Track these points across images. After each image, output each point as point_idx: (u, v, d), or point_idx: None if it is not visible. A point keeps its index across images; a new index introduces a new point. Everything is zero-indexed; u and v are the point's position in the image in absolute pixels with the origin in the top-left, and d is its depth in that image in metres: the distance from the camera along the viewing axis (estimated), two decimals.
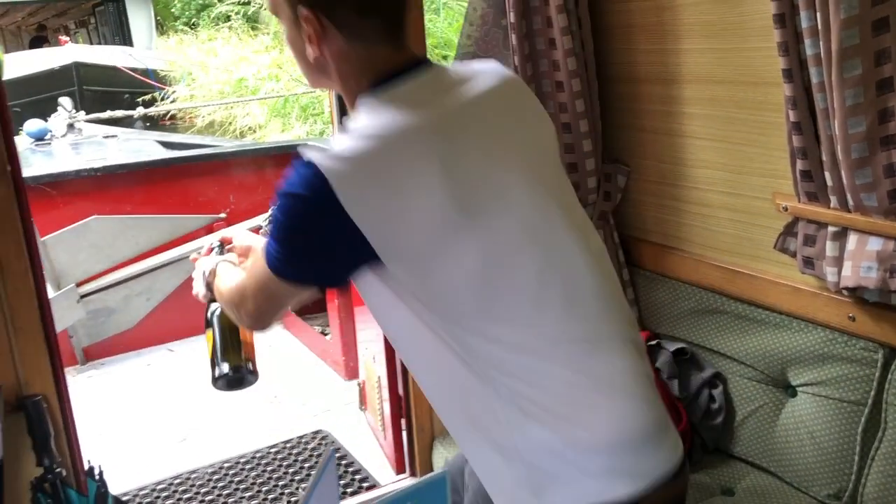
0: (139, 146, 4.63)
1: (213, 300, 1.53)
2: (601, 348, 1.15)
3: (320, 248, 1.08)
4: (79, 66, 11.90)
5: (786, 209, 1.69)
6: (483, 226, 1.10)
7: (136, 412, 3.12)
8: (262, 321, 1.31)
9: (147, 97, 11.43)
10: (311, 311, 3.68)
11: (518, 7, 1.96)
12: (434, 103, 1.14)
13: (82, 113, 5.17)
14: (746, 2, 1.68)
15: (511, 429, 1.14)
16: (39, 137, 4.69)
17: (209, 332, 1.57)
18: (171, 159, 3.96)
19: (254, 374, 1.54)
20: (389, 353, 2.33)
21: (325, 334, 3.51)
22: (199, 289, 1.55)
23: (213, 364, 1.53)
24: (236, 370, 1.51)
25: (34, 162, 4.27)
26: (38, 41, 17.18)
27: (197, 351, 3.52)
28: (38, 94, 9.90)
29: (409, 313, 1.15)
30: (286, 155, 3.82)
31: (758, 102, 1.74)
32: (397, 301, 1.15)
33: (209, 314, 1.58)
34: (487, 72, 1.23)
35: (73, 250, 3.24)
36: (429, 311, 1.12)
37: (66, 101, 5.03)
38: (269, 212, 1.17)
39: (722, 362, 1.93)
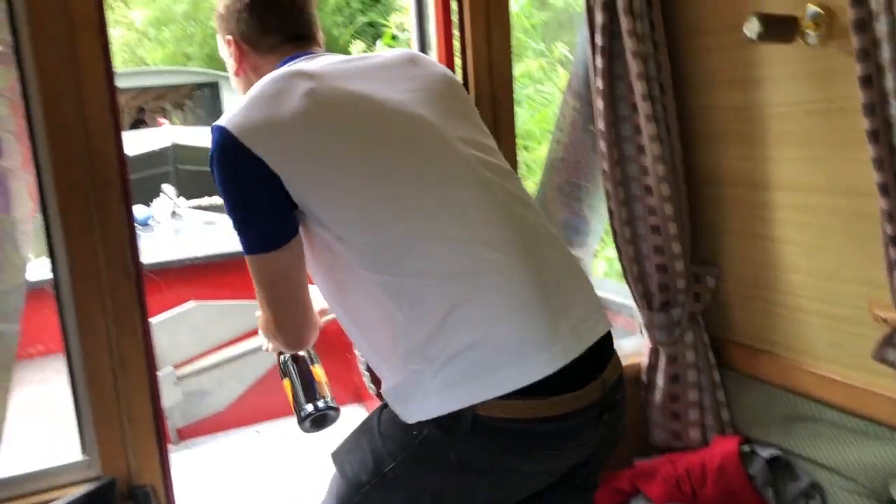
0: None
1: (281, 352, 1.63)
2: (473, 251, 1.25)
3: (253, 194, 1.28)
4: (176, 148, 12.55)
5: (885, 321, 1.67)
6: (350, 127, 1.29)
7: (225, 493, 3.19)
8: (285, 324, 1.42)
9: None
10: None
11: (608, 116, 2.03)
12: (317, 62, 1.40)
13: (183, 199, 5.47)
14: (838, 115, 1.71)
15: (393, 346, 1.27)
16: (144, 223, 4.97)
17: (285, 382, 1.66)
18: None
19: (335, 409, 1.61)
20: None
21: None
22: (263, 342, 1.66)
23: (296, 409, 1.61)
24: (317, 409, 1.58)
25: (140, 248, 4.52)
26: (137, 123, 18.23)
27: (284, 432, 3.60)
28: (138, 173, 10.45)
29: (330, 254, 1.31)
30: None
31: (852, 212, 1.74)
32: (318, 242, 1.32)
33: (280, 364, 1.67)
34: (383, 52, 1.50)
35: (173, 334, 3.40)
36: (342, 245, 1.27)
37: (169, 189, 5.33)
38: None
39: (819, 472, 1.88)
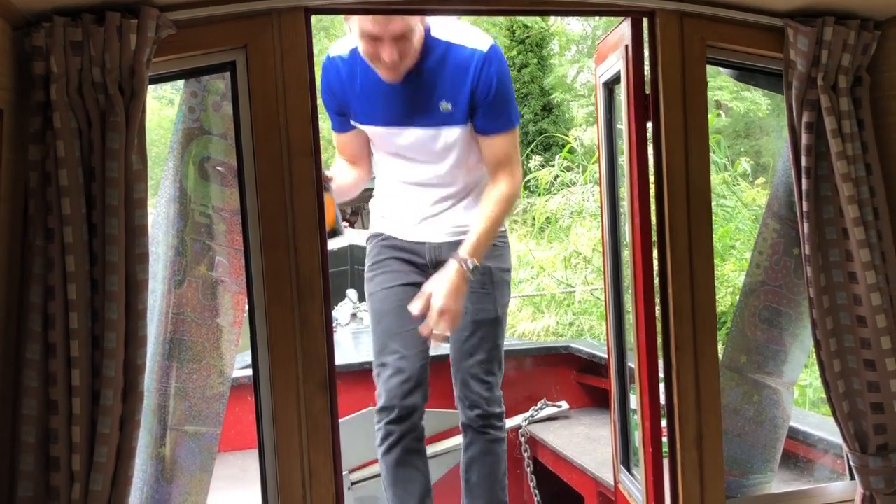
0: None
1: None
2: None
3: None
4: (353, 248, 13.27)
5: None
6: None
7: None
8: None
9: None
10: None
11: (813, 239, 1.91)
12: None
13: (364, 304, 5.66)
14: None
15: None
16: None
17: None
18: (441, 356, 4.12)
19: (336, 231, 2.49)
20: None
21: None
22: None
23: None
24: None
25: None
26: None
27: None
28: None
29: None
30: (548, 355, 3.89)
31: None
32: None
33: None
34: None
35: (350, 438, 3.43)
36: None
37: (351, 293, 5.55)
38: None
39: None
